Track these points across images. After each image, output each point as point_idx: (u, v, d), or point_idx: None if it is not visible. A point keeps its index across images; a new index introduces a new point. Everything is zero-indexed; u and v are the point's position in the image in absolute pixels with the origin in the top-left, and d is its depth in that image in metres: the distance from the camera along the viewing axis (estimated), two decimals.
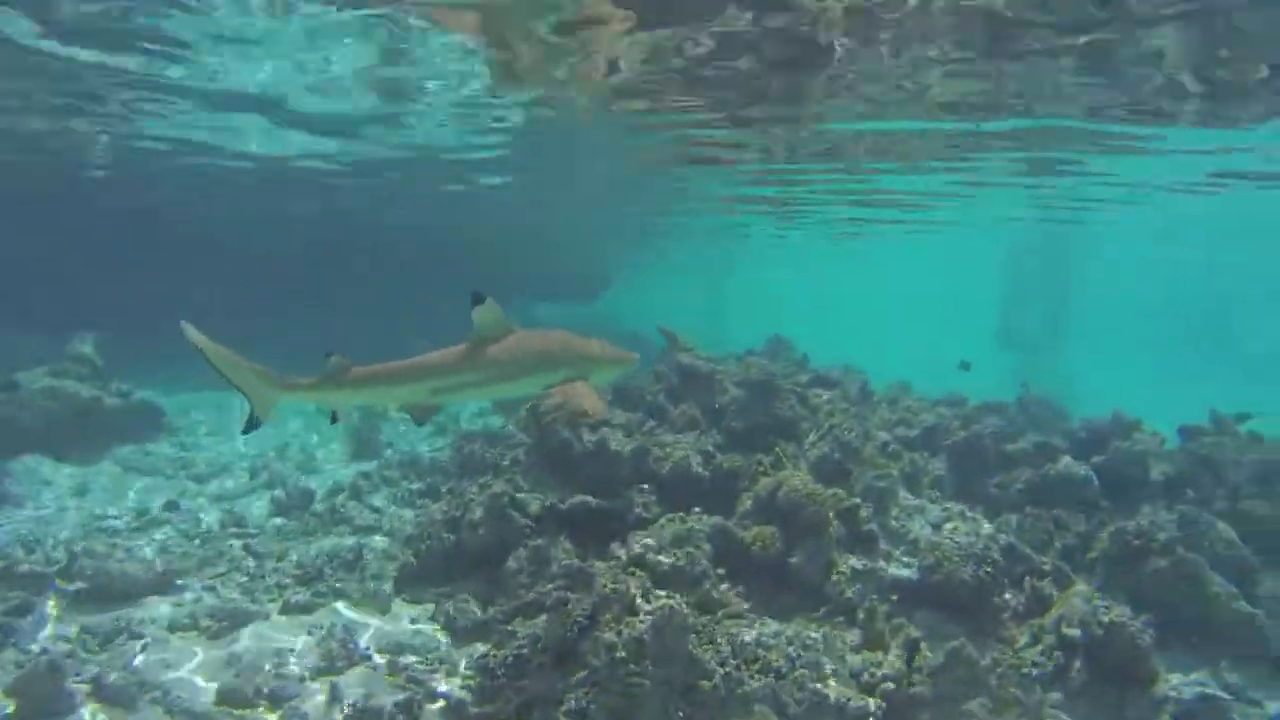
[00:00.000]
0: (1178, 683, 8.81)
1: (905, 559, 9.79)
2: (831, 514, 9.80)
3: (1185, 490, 12.38)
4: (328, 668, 9.09)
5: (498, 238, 32.44)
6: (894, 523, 10.37)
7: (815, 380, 15.39)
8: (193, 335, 6.68)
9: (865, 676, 8.16)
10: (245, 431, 7.24)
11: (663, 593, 7.40)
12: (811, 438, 11.69)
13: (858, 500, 10.24)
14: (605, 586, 7.19)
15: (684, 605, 7.31)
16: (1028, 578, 9.62)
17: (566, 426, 11.50)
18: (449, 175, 23.13)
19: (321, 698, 8.57)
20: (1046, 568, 9.92)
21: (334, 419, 7.83)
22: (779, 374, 13.17)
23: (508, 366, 7.21)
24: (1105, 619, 8.34)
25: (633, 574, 8.95)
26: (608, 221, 35.14)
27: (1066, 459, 12.15)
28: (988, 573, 9.17)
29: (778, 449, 11.44)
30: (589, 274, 40.45)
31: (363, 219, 30.11)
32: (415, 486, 15.29)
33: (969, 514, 10.72)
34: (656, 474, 11.24)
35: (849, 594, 9.37)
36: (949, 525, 10.71)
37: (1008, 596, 9.49)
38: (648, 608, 7.07)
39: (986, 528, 10.29)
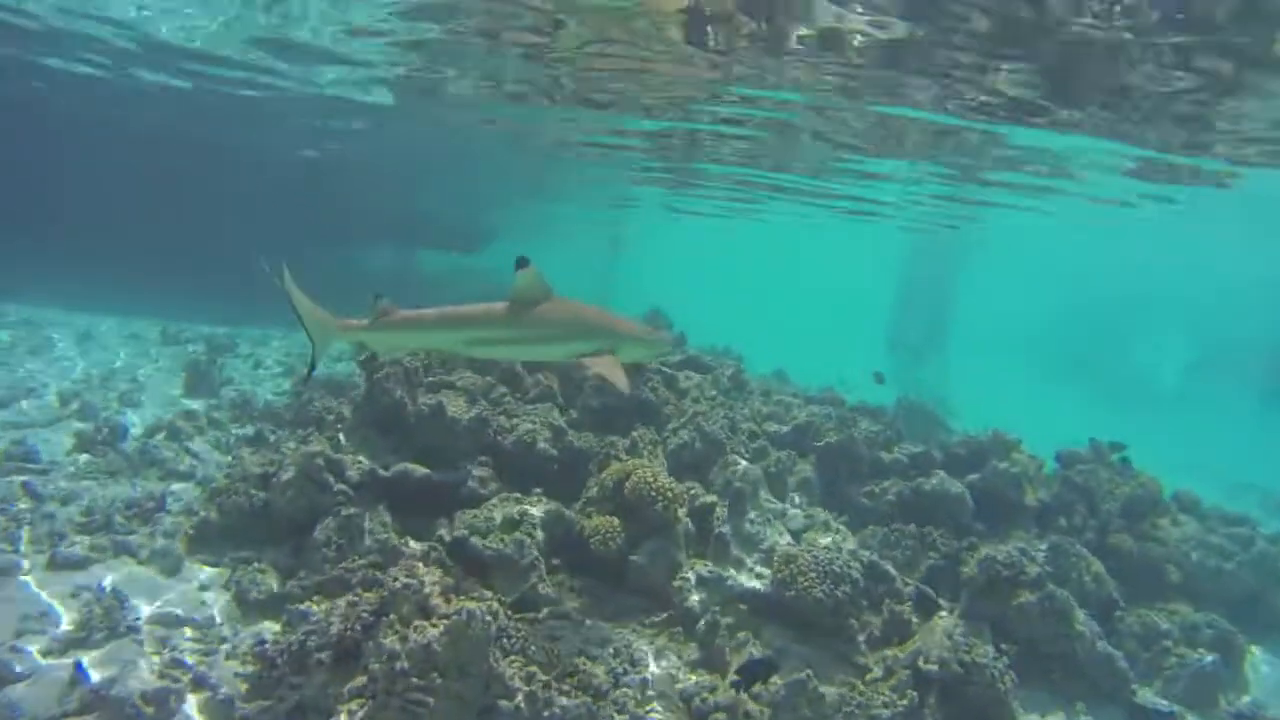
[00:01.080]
0: None
1: (758, 568, 8.88)
2: (681, 511, 8.83)
3: (1059, 518, 11.85)
4: (82, 640, 7.65)
5: (366, 181, 30.80)
6: (751, 527, 9.45)
7: (687, 362, 14.41)
8: (283, 280, 6.87)
9: (696, 701, 7.21)
10: (309, 374, 7.74)
11: (464, 597, 6.24)
12: (673, 424, 10.70)
13: (714, 498, 9.30)
14: (396, 580, 6.01)
15: (491, 608, 6.19)
16: (888, 601, 8.84)
17: (401, 385, 10.25)
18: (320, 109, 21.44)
19: (56, 678, 7.12)
20: (909, 591, 9.15)
21: (373, 358, 8.21)
22: None
23: (542, 329, 7.30)
24: (966, 658, 7.57)
25: (441, 564, 7.89)
26: (492, 170, 33.64)
27: (941, 475, 11.46)
28: (845, 593, 8.31)
29: (635, 434, 10.43)
30: (469, 224, 38.82)
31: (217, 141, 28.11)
32: (242, 432, 13.74)
33: (834, 524, 9.88)
34: (499, 446, 10.09)
35: (692, 602, 8.42)
36: (809, 534, 9.86)
37: (866, 619, 8.70)
38: (444, 609, 5.92)
39: (850, 542, 9.46)
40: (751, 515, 9.56)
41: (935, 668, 7.64)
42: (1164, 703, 9.46)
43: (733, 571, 8.82)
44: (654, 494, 8.76)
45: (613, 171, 27.56)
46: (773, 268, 68.75)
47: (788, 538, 9.60)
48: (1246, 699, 10.73)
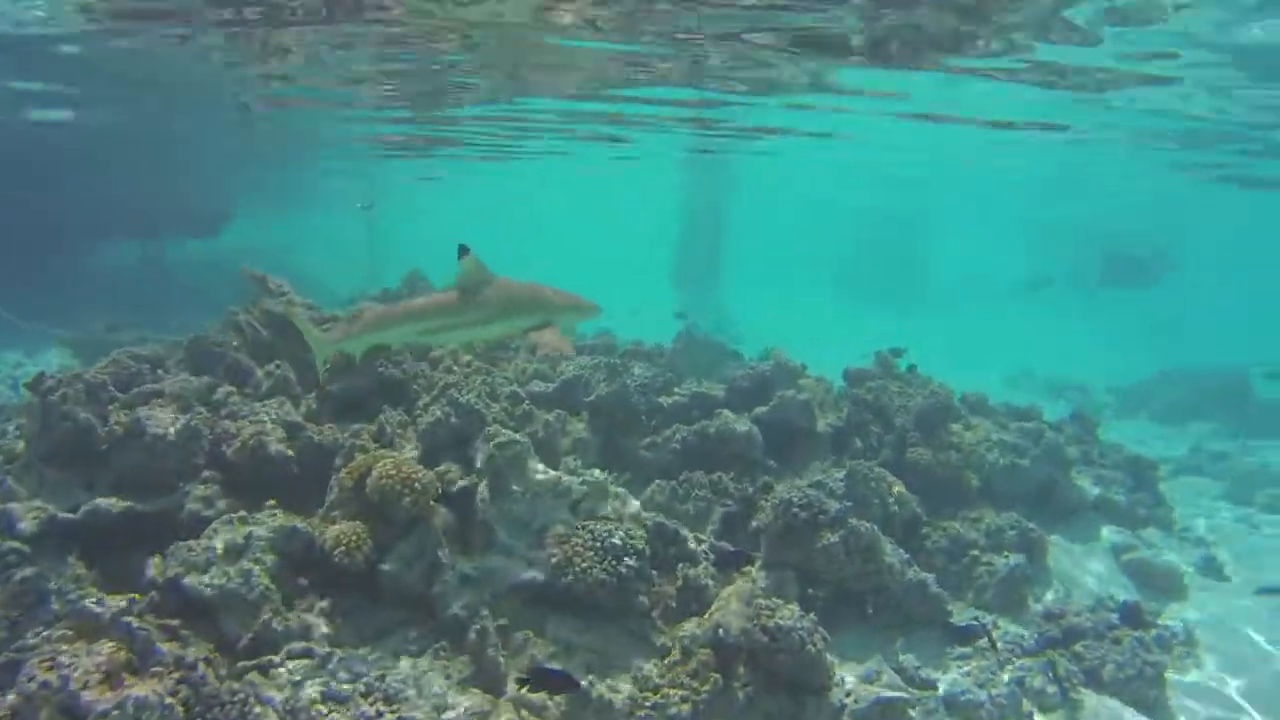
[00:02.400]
0: (853, 684, 7.46)
1: (531, 554, 7.77)
2: (433, 501, 7.62)
3: (854, 440, 11.33)
4: None
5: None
6: (518, 506, 8.30)
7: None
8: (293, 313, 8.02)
9: None
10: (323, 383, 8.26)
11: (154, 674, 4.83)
12: (424, 400, 9.39)
13: (472, 480, 8.12)
14: (31, 680, 4.54)
15: (176, 686, 4.81)
16: (682, 566, 7.95)
17: (83, 404, 8.51)
18: None
19: None
20: (702, 550, 8.30)
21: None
22: None
23: (489, 311, 7.71)
24: (770, 623, 6.76)
25: (155, 614, 6.45)
26: (219, 145, 30.77)
27: (726, 414, 10.69)
28: (630, 568, 7.35)
29: (380, 418, 9.09)
30: (200, 206, 35.52)
31: None
32: None
33: (612, 487, 8.87)
34: (221, 458, 8.55)
35: (457, 609, 7.25)
36: (587, 503, 8.82)
37: (661, 590, 7.78)
38: (104, 705, 4.51)
39: (631, 505, 8.48)
40: (518, 492, 8.42)
41: (739, 638, 6.78)
42: (975, 617, 9.07)
43: (503, 562, 7.69)
44: (400, 487, 7.49)
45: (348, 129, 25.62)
46: (551, 212, 67.24)
47: (564, 512, 8.54)
48: (1050, 594, 10.60)
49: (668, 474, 10.35)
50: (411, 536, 7.60)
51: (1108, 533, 12.11)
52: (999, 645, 8.72)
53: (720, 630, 6.93)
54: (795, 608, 7.03)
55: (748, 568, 8.24)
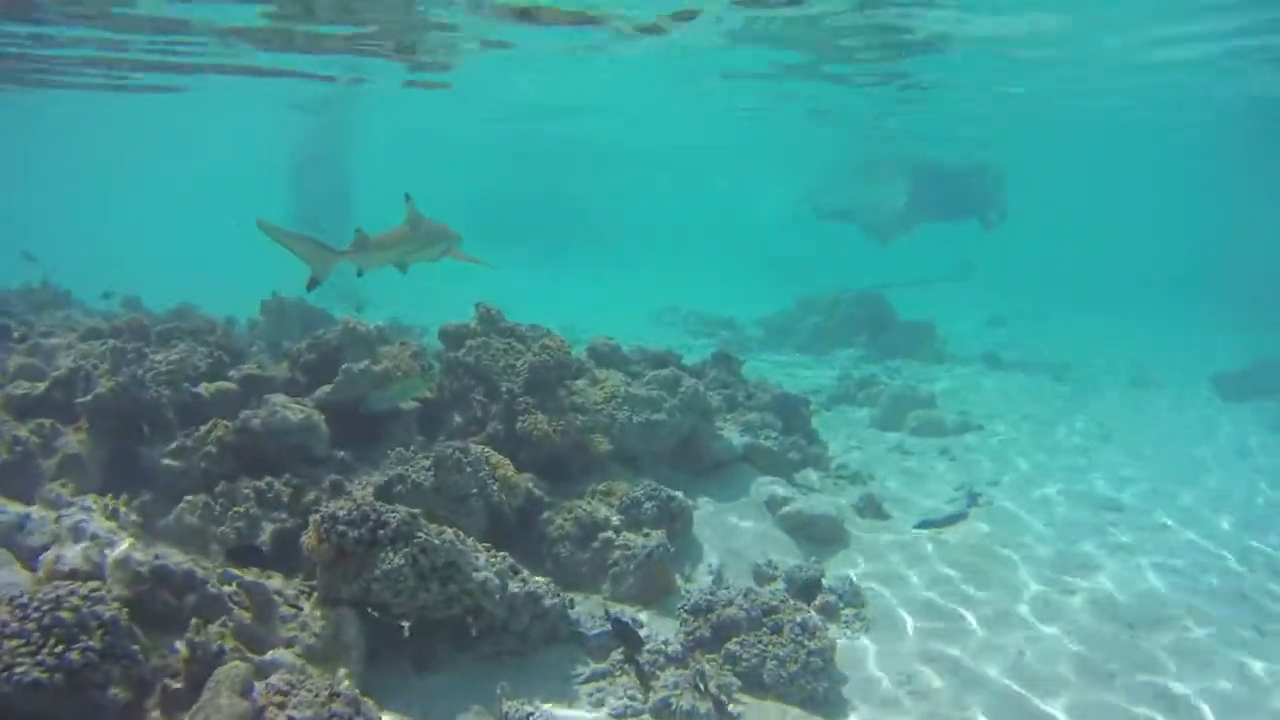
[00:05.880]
0: None
1: None
2: None
3: (452, 415, 9.31)
4: None
5: None
6: None
7: None
8: (263, 227, 8.10)
9: None
10: (309, 289, 8.48)
11: None
12: None
13: None
14: None
15: None
16: (195, 624, 5.55)
17: None
18: None
19: None
20: (227, 593, 5.97)
21: (360, 273, 8.98)
22: None
23: (428, 239, 9.51)
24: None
25: None
26: None
27: (276, 399, 8.30)
28: (85, 656, 4.90)
29: None
30: None
31: None
32: None
33: (101, 527, 6.31)
34: None
35: None
36: (65, 551, 6.22)
37: (159, 666, 5.38)
38: None
39: (119, 549, 5.97)
40: None
41: None
42: (605, 620, 7.32)
43: None
44: None
45: None
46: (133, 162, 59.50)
47: (11, 571, 5.89)
48: (702, 570, 9.19)
49: (204, 487, 7.86)
50: None
51: (760, 485, 10.92)
52: (642, 659, 7.01)
53: None
54: (323, 684, 4.85)
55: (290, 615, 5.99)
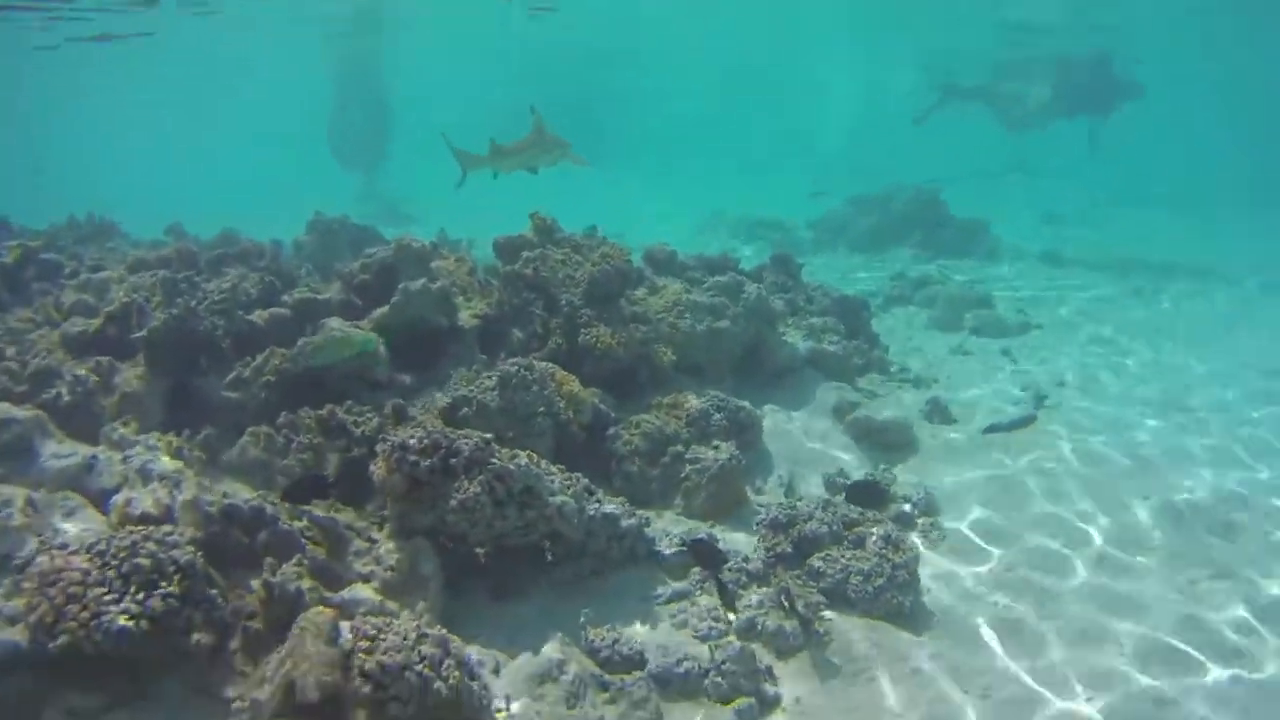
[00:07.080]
0: (521, 709, 5.29)
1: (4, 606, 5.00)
2: None
3: (512, 331, 9.05)
4: None
5: None
6: (17, 518, 5.48)
7: None
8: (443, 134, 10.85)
9: None
10: (458, 187, 11.04)
11: None
12: None
13: None
14: None
15: None
16: (269, 563, 5.40)
17: None
18: None
19: None
20: (296, 529, 5.81)
21: (494, 175, 11.01)
22: None
23: (547, 147, 10.85)
24: (370, 662, 4.39)
25: None
26: None
27: (332, 322, 8.06)
28: (167, 603, 4.78)
29: None
30: None
31: None
32: None
33: (167, 464, 6.15)
34: None
35: None
36: (140, 493, 6.10)
37: (235, 608, 5.25)
38: None
39: (185, 491, 5.81)
40: (15, 501, 5.55)
41: (318, 695, 4.38)
42: (682, 541, 7.12)
43: None
44: None
45: None
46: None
47: (75, 524, 5.76)
48: (774, 476, 8.98)
49: (265, 418, 7.69)
50: None
51: (826, 390, 10.66)
52: (724, 578, 6.82)
53: (298, 688, 4.49)
54: (410, 626, 4.67)
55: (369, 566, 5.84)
